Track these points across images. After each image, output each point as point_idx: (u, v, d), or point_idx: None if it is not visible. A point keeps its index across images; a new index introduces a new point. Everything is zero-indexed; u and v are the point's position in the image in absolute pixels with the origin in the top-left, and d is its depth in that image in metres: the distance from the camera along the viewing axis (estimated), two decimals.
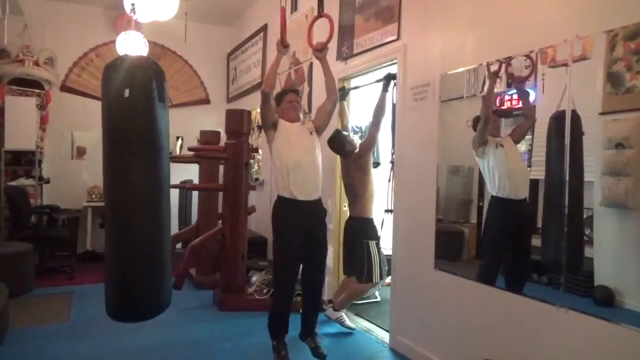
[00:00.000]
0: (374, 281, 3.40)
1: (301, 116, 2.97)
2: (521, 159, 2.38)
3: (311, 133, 2.87)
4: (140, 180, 1.97)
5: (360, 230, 3.42)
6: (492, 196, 2.49)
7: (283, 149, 2.78)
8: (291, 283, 2.84)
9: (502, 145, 2.43)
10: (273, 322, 2.86)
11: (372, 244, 3.38)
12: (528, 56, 2.23)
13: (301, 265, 2.91)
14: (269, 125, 2.83)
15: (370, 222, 3.46)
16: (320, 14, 3.00)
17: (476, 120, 2.52)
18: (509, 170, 2.43)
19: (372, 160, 3.58)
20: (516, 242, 2.42)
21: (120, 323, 2.14)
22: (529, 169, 2.33)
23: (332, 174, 3.94)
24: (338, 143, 3.49)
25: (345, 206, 3.93)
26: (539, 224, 2.29)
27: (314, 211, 2.82)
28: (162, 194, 2.07)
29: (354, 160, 3.49)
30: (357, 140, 3.63)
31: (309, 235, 2.79)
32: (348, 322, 3.54)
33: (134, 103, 1.92)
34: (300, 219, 2.75)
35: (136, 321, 2.17)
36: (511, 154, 2.41)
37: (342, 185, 3.86)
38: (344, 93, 3.80)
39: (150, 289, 2.03)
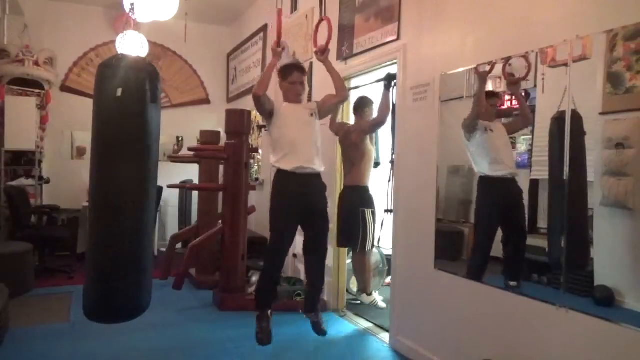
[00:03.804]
0: (366, 249, 3.44)
1: (303, 98, 2.94)
2: (509, 146, 2.42)
3: (312, 115, 2.83)
4: (125, 179, 1.95)
5: (356, 198, 3.46)
6: (480, 177, 2.54)
7: (280, 128, 2.77)
8: (281, 255, 2.82)
9: (491, 130, 2.47)
10: (259, 293, 2.86)
11: (369, 212, 3.41)
12: (525, 57, 2.24)
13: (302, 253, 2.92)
14: (266, 115, 2.84)
15: (365, 190, 3.51)
16: (322, 18, 3.08)
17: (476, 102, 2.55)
18: (495, 152, 2.48)
19: (368, 138, 3.65)
20: (509, 221, 2.45)
21: (119, 323, 2.13)
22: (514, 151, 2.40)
23: (332, 174, 3.94)
24: (363, 102, 3.59)
25: None
26: (540, 224, 2.29)
27: (312, 183, 2.80)
28: (148, 195, 2.04)
29: (350, 133, 3.58)
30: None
31: (306, 205, 2.76)
32: (381, 303, 3.66)
33: (125, 103, 1.91)
34: (296, 190, 2.72)
35: (109, 322, 2.15)
36: (499, 139, 2.46)
37: (342, 186, 3.88)
38: None
39: (128, 290, 2.00)
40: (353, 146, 3.53)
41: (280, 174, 2.77)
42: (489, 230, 2.51)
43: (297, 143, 2.74)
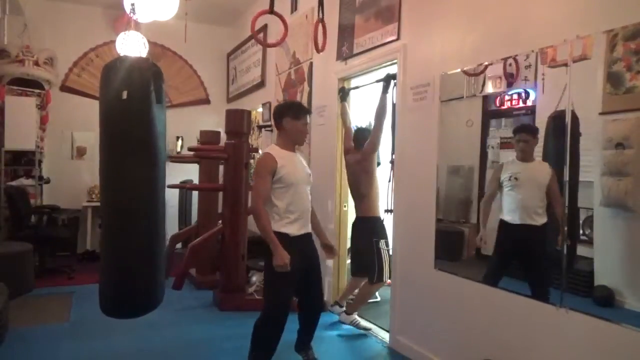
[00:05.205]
0: (384, 280, 3.42)
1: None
2: (538, 190, 2.22)
3: (309, 175, 2.74)
4: (136, 180, 1.98)
5: (369, 229, 3.44)
6: (501, 220, 2.39)
7: (286, 195, 2.59)
8: (284, 315, 2.61)
9: (516, 179, 2.31)
10: (259, 345, 2.65)
11: (382, 242, 3.41)
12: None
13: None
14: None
15: (378, 220, 3.48)
16: (321, 19, 3.06)
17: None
18: (522, 199, 2.32)
19: (376, 161, 3.58)
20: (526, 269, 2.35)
21: (119, 322, 2.16)
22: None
23: (332, 174, 3.94)
24: (363, 136, 3.53)
25: (345, 206, 3.94)
26: None
27: (308, 242, 2.71)
28: (158, 194, 2.08)
29: (358, 162, 3.49)
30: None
31: (305, 265, 2.66)
32: (363, 323, 3.55)
33: (131, 104, 1.94)
34: (296, 253, 2.57)
35: (128, 317, 2.20)
36: (527, 186, 2.29)
37: (341, 186, 3.88)
38: (344, 94, 3.81)
39: (143, 286, 2.06)
40: (364, 174, 3.46)
41: (279, 236, 2.55)
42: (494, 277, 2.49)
43: (304, 211, 2.64)
